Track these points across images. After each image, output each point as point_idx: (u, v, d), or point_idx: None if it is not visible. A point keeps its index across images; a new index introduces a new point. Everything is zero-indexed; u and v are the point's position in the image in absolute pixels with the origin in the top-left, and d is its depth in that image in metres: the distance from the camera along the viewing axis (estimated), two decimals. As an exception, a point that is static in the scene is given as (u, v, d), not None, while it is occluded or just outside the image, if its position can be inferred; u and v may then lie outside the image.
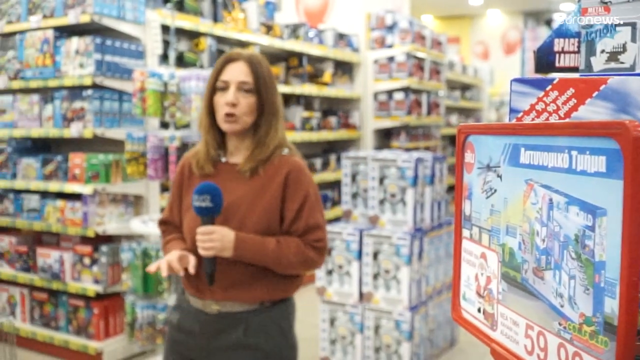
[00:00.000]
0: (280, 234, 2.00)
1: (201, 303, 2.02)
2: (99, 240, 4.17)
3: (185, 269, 1.96)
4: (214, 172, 2.04)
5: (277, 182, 1.99)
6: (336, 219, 5.95)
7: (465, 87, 11.01)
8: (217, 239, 1.87)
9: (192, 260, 1.92)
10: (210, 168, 2.04)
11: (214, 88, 2.01)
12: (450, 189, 8.69)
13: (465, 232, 0.96)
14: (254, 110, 2.00)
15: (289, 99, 6.29)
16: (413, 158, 3.78)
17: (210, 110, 2.03)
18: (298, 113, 6.14)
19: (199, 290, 2.01)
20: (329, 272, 3.92)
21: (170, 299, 3.78)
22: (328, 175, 6.59)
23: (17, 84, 4.30)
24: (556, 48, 0.96)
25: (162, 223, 2.20)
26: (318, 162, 6.50)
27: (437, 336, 4.16)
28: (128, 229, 3.97)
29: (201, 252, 1.88)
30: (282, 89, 5.81)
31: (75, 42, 4.03)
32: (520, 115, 0.90)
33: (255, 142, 2.02)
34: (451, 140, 10.35)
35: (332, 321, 3.95)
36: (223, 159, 2.06)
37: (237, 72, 1.99)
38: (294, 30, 6.12)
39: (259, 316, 1.99)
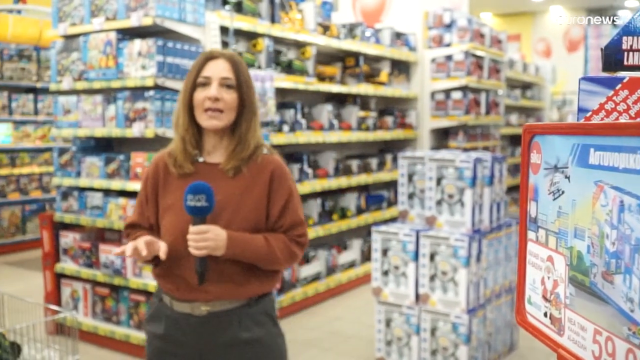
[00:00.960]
0: (265, 230, 2.02)
1: (189, 306, 1.98)
2: (159, 238, 4.25)
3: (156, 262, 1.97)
4: (194, 171, 2.01)
5: (263, 181, 2.00)
6: (392, 219, 5.92)
7: (526, 86, 10.78)
8: (210, 238, 1.85)
9: (162, 247, 1.88)
10: (190, 167, 2.00)
11: (194, 84, 1.98)
12: (510, 189, 8.52)
13: (531, 235, 0.94)
14: (236, 107, 1.99)
15: (344, 99, 6.29)
16: (472, 158, 3.72)
17: (189, 107, 1.99)
18: (354, 113, 6.13)
19: (185, 293, 1.97)
20: (385, 273, 3.90)
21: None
22: (384, 175, 6.56)
23: (81, 85, 4.44)
24: (624, 46, 0.92)
25: (129, 227, 2.12)
26: (374, 162, 6.48)
27: (496, 340, 4.08)
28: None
29: (194, 251, 1.86)
30: (338, 88, 5.81)
31: (137, 44, 4.13)
32: (588, 114, 0.87)
33: (236, 140, 2.00)
34: (511, 140, 10.14)
35: (388, 322, 3.93)
36: (200, 159, 2.03)
37: (219, 69, 1.98)
38: (351, 30, 6.11)
39: (249, 310, 1.99)
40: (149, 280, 4.20)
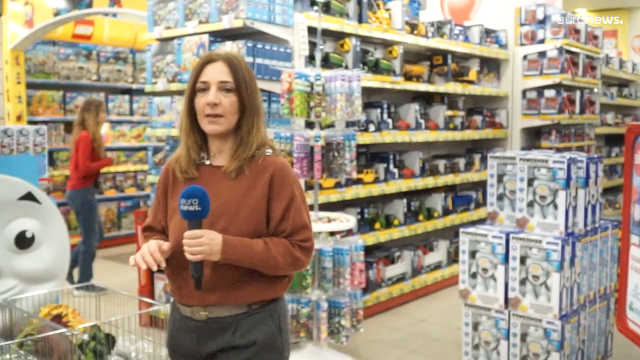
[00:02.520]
0: (267, 235, 1.96)
1: (189, 310, 1.99)
2: (247, 235, 4.34)
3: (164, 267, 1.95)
4: (198, 175, 2.00)
5: (263, 182, 1.96)
6: (480, 221, 5.79)
7: (622, 84, 10.28)
8: (205, 242, 1.82)
9: (165, 245, 1.91)
10: (194, 171, 2.00)
11: (194, 90, 1.97)
12: (606, 191, 8.15)
13: (634, 239, 0.89)
14: (236, 109, 1.96)
15: (432, 98, 6.20)
16: (565, 158, 3.59)
17: (191, 112, 1.99)
18: (441, 112, 6.04)
19: (186, 296, 1.98)
20: (473, 275, 3.82)
21: (314, 294, 3.87)
22: (472, 176, 6.43)
23: (174, 86, 4.60)
24: None
25: (146, 229, 2.15)
26: (461, 162, 6.36)
27: (589, 347, 3.92)
28: (274, 225, 4.10)
29: (189, 256, 1.83)
30: (426, 87, 5.74)
31: (228, 46, 4.23)
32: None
33: (238, 141, 1.98)
34: (606, 140, 9.70)
35: (476, 325, 3.84)
36: (207, 162, 2.02)
37: (216, 72, 1.95)
38: (439, 28, 6.02)
39: (247, 319, 1.96)
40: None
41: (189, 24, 4.48)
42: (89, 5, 6.66)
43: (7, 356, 2.42)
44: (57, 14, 7.09)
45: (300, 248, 1.97)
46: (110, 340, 2.66)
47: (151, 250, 1.87)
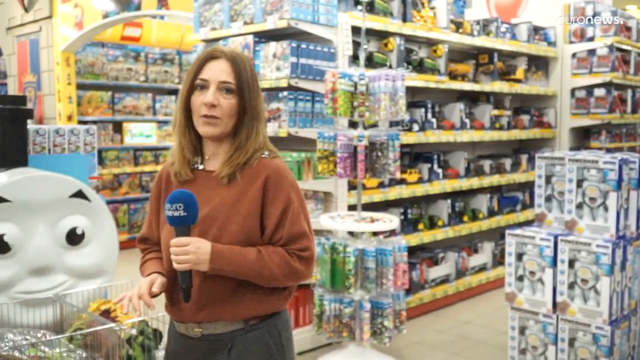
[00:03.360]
0: (262, 244, 1.81)
1: (183, 327, 1.87)
2: (290, 235, 4.36)
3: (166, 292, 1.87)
4: (193, 178, 1.87)
5: (256, 187, 1.80)
6: (526, 223, 5.70)
7: (677, 82, 9.96)
8: (191, 251, 1.70)
9: (157, 282, 1.81)
10: (189, 173, 1.86)
11: (192, 86, 1.83)
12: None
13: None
14: (235, 113, 1.82)
15: (477, 97, 6.12)
16: (617, 159, 3.49)
17: (187, 110, 1.85)
18: (487, 111, 5.95)
19: (179, 312, 1.86)
20: (519, 278, 3.75)
21: (357, 294, 3.86)
22: (518, 177, 6.32)
23: (221, 87, 4.64)
24: None
25: (142, 240, 2.02)
26: (507, 162, 6.26)
27: (641, 354, 3.81)
28: (318, 224, 4.11)
29: (175, 266, 1.71)
30: (471, 86, 5.67)
31: (272, 47, 4.26)
32: None
33: (235, 146, 1.84)
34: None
35: (522, 329, 3.77)
36: (200, 167, 1.89)
37: (218, 71, 1.81)
38: (485, 26, 5.94)
39: (244, 336, 1.81)
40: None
41: (234, 25, 4.52)
42: (138, 8, 6.80)
43: (57, 350, 2.48)
44: (106, 16, 7.25)
45: (299, 258, 1.80)
46: (158, 335, 2.69)
47: (140, 293, 1.77)
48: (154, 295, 1.82)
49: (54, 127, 3.36)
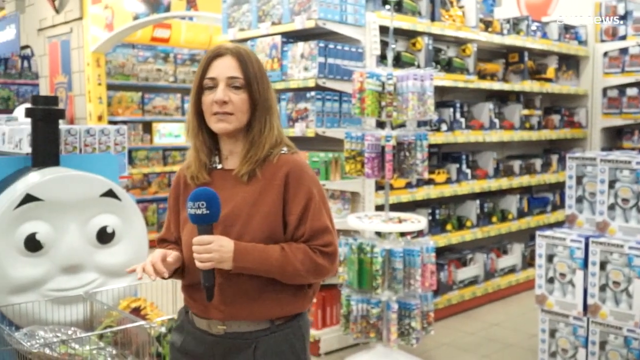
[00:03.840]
0: (284, 241, 1.80)
1: (206, 323, 1.84)
2: (318, 235, 4.36)
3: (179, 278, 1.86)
4: (210, 180, 1.85)
5: (277, 184, 1.79)
6: (556, 224, 5.62)
7: None
8: (214, 249, 1.68)
9: (173, 253, 1.81)
10: (205, 176, 1.85)
11: (201, 87, 1.82)
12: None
13: None
14: (247, 107, 1.81)
15: (507, 97, 6.06)
16: (650, 160, 3.43)
17: (198, 112, 1.84)
18: (517, 111, 5.88)
19: (203, 308, 1.83)
20: (550, 280, 3.71)
21: (384, 295, 3.84)
22: (548, 177, 6.24)
23: (249, 87, 4.66)
24: None
25: (161, 241, 2.01)
26: (537, 162, 6.18)
27: (675, 359, 3.73)
28: (345, 224, 4.11)
29: (198, 264, 1.70)
30: (500, 86, 5.61)
31: (300, 47, 4.26)
32: None
33: (249, 142, 1.83)
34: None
35: (552, 332, 3.72)
36: (218, 166, 1.88)
37: (224, 68, 1.80)
38: (515, 25, 5.87)
39: (269, 336, 1.80)
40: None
41: (262, 25, 4.54)
42: (167, 9, 6.86)
43: (87, 347, 2.51)
44: (136, 17, 7.33)
45: (322, 254, 1.79)
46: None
47: (153, 261, 1.76)
48: (171, 270, 1.82)
49: (85, 127, 3.41)
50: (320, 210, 1.82)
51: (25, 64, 12.86)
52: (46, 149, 3.05)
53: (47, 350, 2.41)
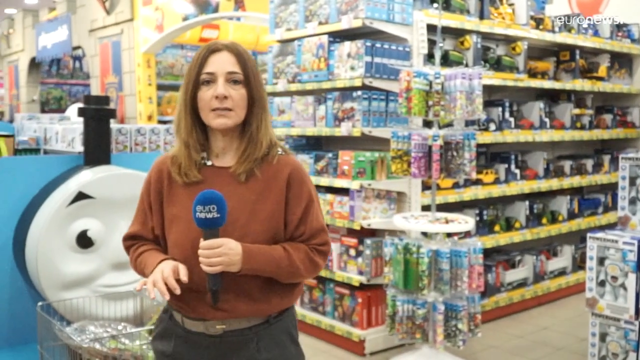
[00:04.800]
0: (284, 240, 1.81)
1: (202, 325, 1.79)
2: (363, 233, 4.36)
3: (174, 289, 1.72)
4: (202, 178, 1.80)
5: (279, 185, 1.79)
6: (608, 226, 5.47)
7: None
8: (223, 253, 1.65)
9: (182, 270, 1.70)
10: (197, 174, 1.79)
11: (197, 83, 1.76)
12: None
13: None
14: (245, 103, 1.78)
15: (557, 96, 5.92)
16: None
17: (192, 108, 1.79)
18: (568, 110, 5.75)
19: (200, 311, 1.79)
20: (601, 283, 3.61)
21: (430, 296, 3.81)
22: (600, 178, 6.08)
23: (294, 87, 4.69)
24: None
25: (131, 238, 1.91)
26: (589, 163, 6.03)
27: None
28: (391, 224, 4.09)
29: (207, 269, 1.66)
30: (551, 85, 5.50)
31: (347, 46, 4.26)
32: None
33: (246, 139, 1.80)
34: None
35: (603, 336, 3.63)
36: (209, 163, 1.82)
37: (223, 63, 1.76)
38: (566, 23, 5.75)
39: (268, 329, 1.81)
40: (353, 275, 4.31)
41: (309, 25, 4.55)
42: (215, 10, 6.95)
43: (137, 342, 2.56)
44: (185, 18, 7.45)
45: (319, 252, 1.83)
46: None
47: (165, 276, 1.67)
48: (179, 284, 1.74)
49: (135, 127, 3.48)
50: (318, 211, 1.86)
51: (77, 64, 13.22)
52: (98, 148, 3.13)
53: (97, 345, 2.47)
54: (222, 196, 1.65)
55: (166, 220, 1.83)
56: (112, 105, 8.46)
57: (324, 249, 1.85)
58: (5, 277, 3.07)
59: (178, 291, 1.66)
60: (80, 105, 3.35)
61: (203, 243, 1.66)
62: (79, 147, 3.27)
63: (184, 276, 1.68)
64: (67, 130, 3.47)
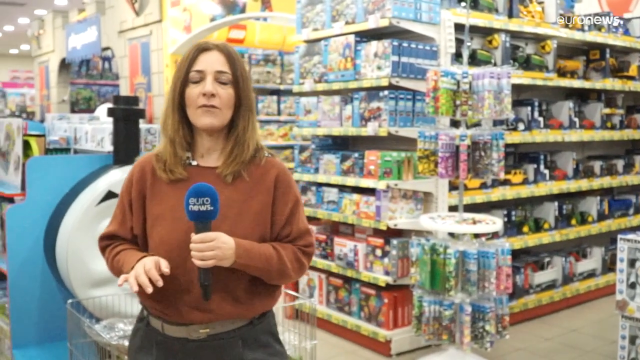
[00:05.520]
0: (270, 240, 1.81)
1: (185, 330, 1.76)
2: (390, 234, 4.34)
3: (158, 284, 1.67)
4: (187, 176, 1.78)
5: (267, 186, 1.80)
6: (638, 227, 5.38)
7: None
8: (217, 246, 1.63)
9: (163, 262, 1.66)
10: (182, 172, 1.78)
11: (185, 81, 1.77)
12: None
13: None
14: (232, 104, 1.78)
15: (587, 95, 5.84)
16: None
17: (179, 105, 1.78)
18: (598, 110, 5.66)
19: (180, 315, 1.75)
20: (632, 286, 3.55)
21: (457, 297, 3.78)
22: (631, 179, 5.97)
23: (321, 87, 4.68)
24: None
25: (108, 238, 1.88)
26: (619, 163, 5.93)
27: None
28: (417, 224, 4.07)
29: (198, 262, 1.63)
30: (581, 84, 5.42)
31: (374, 46, 4.25)
32: None
33: (233, 140, 1.80)
34: None
35: (633, 339, 3.57)
36: (194, 162, 1.82)
37: (212, 62, 1.76)
38: (596, 21, 5.66)
39: (252, 330, 1.81)
40: (379, 275, 4.30)
41: (335, 25, 4.55)
42: (242, 10, 6.98)
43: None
44: (213, 19, 7.50)
45: (304, 253, 1.84)
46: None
47: (146, 268, 1.63)
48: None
49: (163, 127, 3.50)
50: (303, 213, 1.89)
51: (106, 65, 13.37)
52: (127, 148, 3.16)
53: (126, 343, 2.49)
54: (215, 189, 1.64)
55: (149, 218, 1.82)
56: (141, 106, 8.55)
57: (309, 251, 1.86)
58: (36, 275, 3.12)
59: (160, 283, 1.63)
60: (110, 105, 3.38)
61: (195, 237, 1.64)
62: (108, 147, 3.31)
63: (165, 267, 1.65)
64: (97, 130, 3.51)
